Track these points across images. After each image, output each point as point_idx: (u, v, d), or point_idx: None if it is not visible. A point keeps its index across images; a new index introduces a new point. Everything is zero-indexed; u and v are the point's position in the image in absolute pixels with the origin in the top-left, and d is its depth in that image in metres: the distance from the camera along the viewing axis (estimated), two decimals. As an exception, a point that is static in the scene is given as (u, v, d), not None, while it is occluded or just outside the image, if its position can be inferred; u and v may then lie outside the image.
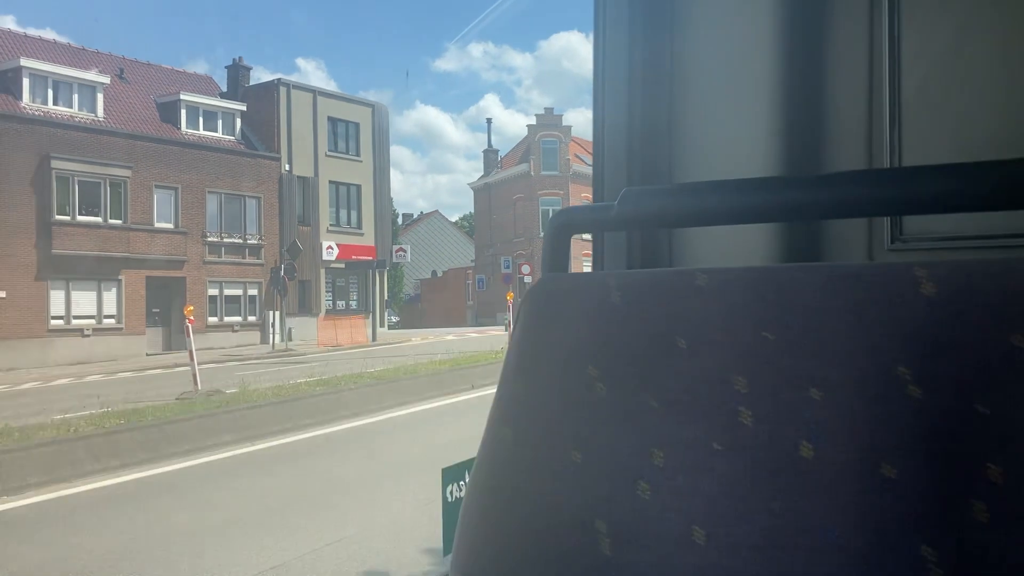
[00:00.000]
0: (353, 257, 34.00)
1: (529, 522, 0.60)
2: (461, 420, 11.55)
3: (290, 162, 31.92)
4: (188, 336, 14.73)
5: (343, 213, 34.48)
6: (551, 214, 0.78)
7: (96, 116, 27.15)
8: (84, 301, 25.69)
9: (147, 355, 25.99)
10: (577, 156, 41.97)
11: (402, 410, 12.85)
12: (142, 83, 30.14)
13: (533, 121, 44.79)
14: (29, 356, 23.34)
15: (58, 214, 24.94)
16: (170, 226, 28.17)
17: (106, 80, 27.70)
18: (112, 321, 26.29)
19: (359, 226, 34.87)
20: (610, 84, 1.31)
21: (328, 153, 33.45)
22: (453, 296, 49.25)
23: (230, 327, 29.54)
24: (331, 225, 33.75)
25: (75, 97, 26.80)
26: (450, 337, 29.89)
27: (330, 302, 33.82)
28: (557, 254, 0.72)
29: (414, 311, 52.79)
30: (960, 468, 0.49)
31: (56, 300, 24.96)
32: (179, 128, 29.50)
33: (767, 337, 0.56)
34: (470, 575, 0.62)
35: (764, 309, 0.57)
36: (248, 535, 6.70)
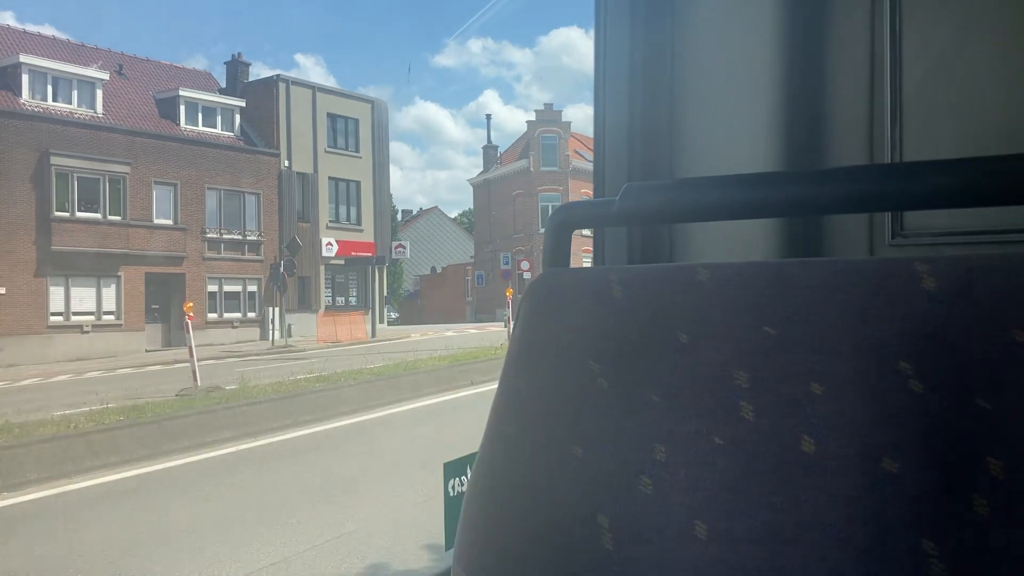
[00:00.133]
0: (353, 253, 34.00)
1: (531, 517, 0.61)
2: (461, 416, 11.56)
3: (289, 158, 31.89)
4: (188, 332, 14.75)
5: (343, 209, 34.46)
6: (551, 210, 0.78)
7: (95, 112, 27.11)
8: (83, 297, 25.68)
9: (146, 351, 25.99)
10: (577, 152, 41.93)
11: (402, 406, 12.85)
12: (141, 79, 30.09)
13: (532, 117, 44.82)
14: (29, 352, 23.33)
15: (57, 210, 24.92)
16: (169, 222, 28.15)
17: (105, 76, 27.65)
18: (111, 317, 26.29)
19: (359, 222, 34.86)
20: (611, 81, 1.31)
21: (327, 149, 33.42)
22: (452, 292, 49.23)
23: (230, 323, 29.54)
24: (330, 221, 33.73)
25: (74, 93, 26.77)
26: (449, 333, 29.90)
27: (330, 298, 33.82)
28: (558, 250, 0.72)
29: (413, 307, 52.78)
30: (961, 462, 0.49)
31: (55, 296, 24.95)
32: (178, 124, 29.46)
33: (768, 332, 0.56)
34: (472, 570, 0.62)
35: (765, 304, 0.57)
36: (248, 531, 6.71)
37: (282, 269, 28.60)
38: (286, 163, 31.76)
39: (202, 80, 33.15)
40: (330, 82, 65.23)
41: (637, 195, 0.69)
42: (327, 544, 6.30)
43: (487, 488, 0.64)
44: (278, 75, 32.58)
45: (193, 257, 28.68)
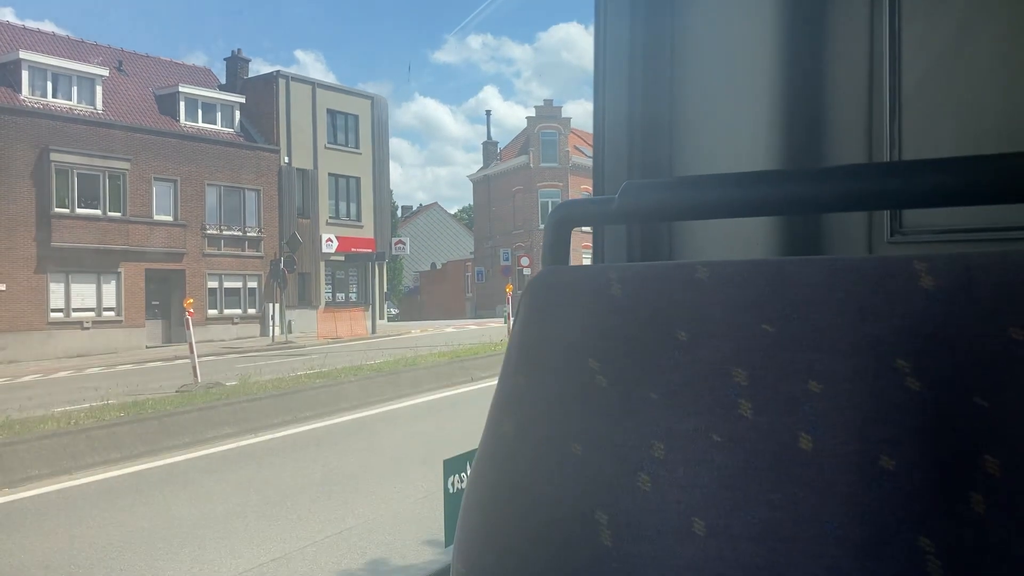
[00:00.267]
0: (352, 249, 33.98)
1: (530, 513, 0.61)
2: (461, 412, 11.57)
3: (289, 154, 31.86)
4: (188, 329, 14.74)
5: (342, 205, 34.44)
6: (550, 206, 0.78)
7: (95, 108, 27.08)
8: (84, 294, 25.68)
9: (147, 348, 26.00)
10: (576, 148, 41.88)
11: (402, 402, 12.85)
12: (141, 75, 30.05)
13: (532, 113, 44.74)
14: (29, 349, 23.35)
15: (57, 207, 24.91)
16: (169, 219, 28.14)
17: (105, 72, 27.61)
18: (112, 314, 26.28)
19: (358, 218, 34.84)
20: (611, 78, 1.31)
21: (327, 145, 33.39)
22: (452, 288, 49.23)
23: (230, 319, 29.55)
24: (330, 217, 33.71)
25: (74, 89, 26.73)
26: (449, 329, 29.90)
27: (330, 294, 33.81)
28: (558, 247, 0.72)
29: (413, 303, 52.79)
30: (958, 460, 0.50)
31: (56, 293, 24.95)
32: (178, 120, 29.43)
33: (767, 330, 0.56)
34: (472, 566, 0.63)
35: (764, 302, 0.57)
36: (249, 527, 6.72)
37: (282, 265, 28.59)
38: (286, 159, 31.73)
39: (202, 76, 33.11)
40: (330, 78, 65.22)
41: (636, 193, 0.69)
42: (327, 540, 6.31)
43: (487, 485, 0.64)
44: (278, 71, 32.54)
45: (193, 253, 28.67)
